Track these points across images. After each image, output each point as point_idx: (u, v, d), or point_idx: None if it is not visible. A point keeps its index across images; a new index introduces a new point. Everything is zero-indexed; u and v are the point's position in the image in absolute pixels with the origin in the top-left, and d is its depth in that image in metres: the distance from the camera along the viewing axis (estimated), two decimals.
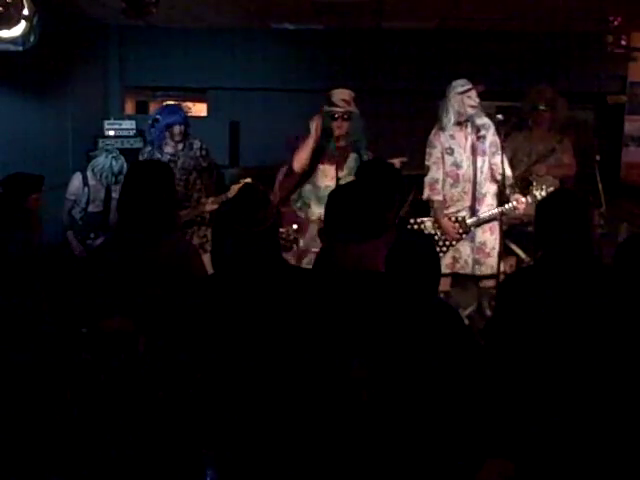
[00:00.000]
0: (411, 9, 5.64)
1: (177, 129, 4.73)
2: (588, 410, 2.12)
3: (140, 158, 4.82)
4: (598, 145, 5.17)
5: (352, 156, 4.37)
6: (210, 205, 4.67)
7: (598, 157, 5.04)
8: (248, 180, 4.58)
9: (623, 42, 5.40)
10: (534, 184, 4.93)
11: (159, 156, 4.76)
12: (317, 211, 4.50)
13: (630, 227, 5.37)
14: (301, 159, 4.35)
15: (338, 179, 4.32)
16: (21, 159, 5.05)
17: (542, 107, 5.22)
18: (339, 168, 4.40)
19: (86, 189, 4.80)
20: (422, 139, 6.64)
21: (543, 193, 4.47)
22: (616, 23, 5.28)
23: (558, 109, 5.31)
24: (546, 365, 2.21)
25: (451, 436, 1.65)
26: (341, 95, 4.44)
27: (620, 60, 6.45)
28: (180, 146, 4.79)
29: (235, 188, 4.55)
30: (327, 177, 4.46)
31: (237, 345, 2.07)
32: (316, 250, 4.35)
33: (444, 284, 4.79)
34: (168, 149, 4.80)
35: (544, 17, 5.76)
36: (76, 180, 4.86)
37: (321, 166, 4.49)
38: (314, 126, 4.30)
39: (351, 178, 4.35)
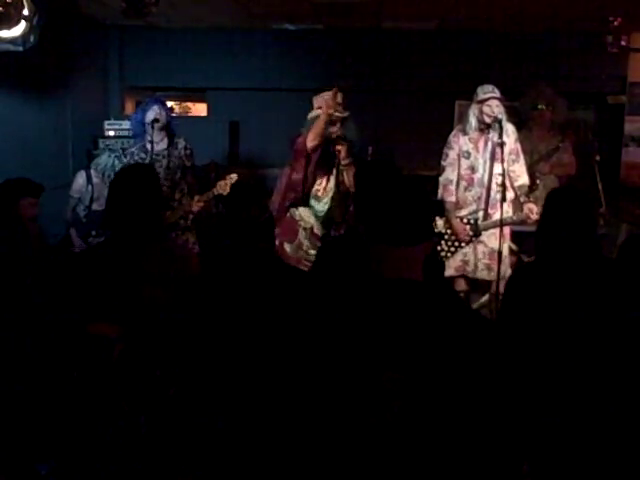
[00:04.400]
0: (411, 9, 5.64)
1: (153, 116, 4.56)
2: (591, 408, 2.12)
3: (125, 158, 4.74)
4: (598, 145, 5.16)
5: (333, 172, 4.43)
6: (196, 204, 4.56)
7: (598, 157, 5.03)
8: (233, 175, 4.58)
9: (623, 42, 5.39)
10: (538, 182, 4.94)
11: (144, 156, 4.63)
12: (308, 220, 4.52)
13: (630, 227, 5.36)
14: (315, 136, 4.32)
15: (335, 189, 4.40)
16: (21, 159, 5.05)
17: (542, 106, 5.22)
18: (327, 180, 4.45)
19: (90, 187, 4.84)
20: (422, 139, 6.69)
21: None
22: (616, 23, 5.27)
23: (558, 108, 5.31)
24: (550, 363, 2.21)
25: (484, 447, 1.64)
26: (339, 98, 4.44)
27: (620, 60, 6.46)
28: (164, 145, 4.67)
29: (221, 184, 4.53)
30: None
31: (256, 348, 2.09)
32: (304, 257, 4.38)
33: (460, 284, 4.81)
34: (153, 147, 4.62)
35: (544, 17, 5.76)
36: (80, 178, 4.89)
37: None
38: (325, 103, 4.29)
39: (332, 191, 4.42)
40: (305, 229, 4.48)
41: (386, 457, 1.57)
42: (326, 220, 4.48)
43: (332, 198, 4.46)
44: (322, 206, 4.48)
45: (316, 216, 4.48)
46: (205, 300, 2.28)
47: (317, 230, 4.44)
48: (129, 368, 1.76)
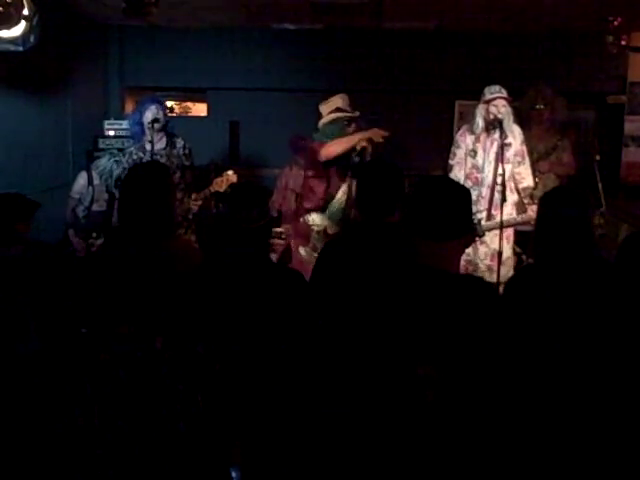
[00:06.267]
0: (411, 9, 5.64)
1: (152, 116, 4.55)
2: (591, 409, 2.12)
3: (123, 159, 4.71)
4: (598, 145, 5.16)
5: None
6: (193, 203, 4.57)
7: (598, 157, 5.03)
8: (230, 172, 4.59)
9: (623, 42, 5.39)
10: (537, 181, 4.93)
11: (142, 155, 4.62)
12: (322, 222, 4.51)
13: (630, 227, 5.37)
14: (333, 151, 4.33)
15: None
16: (21, 159, 5.05)
17: (540, 106, 5.22)
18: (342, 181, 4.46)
19: (90, 188, 4.84)
20: (421, 139, 6.69)
21: None
22: (616, 23, 5.27)
23: (557, 108, 5.31)
24: (547, 365, 2.21)
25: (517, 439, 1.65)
26: (347, 100, 4.44)
27: (620, 60, 6.46)
28: (162, 144, 4.65)
29: (217, 182, 4.54)
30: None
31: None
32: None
33: None
34: (149, 147, 4.59)
35: (544, 17, 5.76)
36: (81, 179, 4.90)
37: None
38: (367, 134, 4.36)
39: (346, 191, 4.41)
40: (318, 232, 4.48)
41: (419, 447, 1.57)
42: (342, 219, 4.48)
43: (348, 197, 4.47)
44: (334, 206, 4.49)
45: (331, 218, 4.49)
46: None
47: (330, 230, 4.46)
48: (174, 352, 1.78)
